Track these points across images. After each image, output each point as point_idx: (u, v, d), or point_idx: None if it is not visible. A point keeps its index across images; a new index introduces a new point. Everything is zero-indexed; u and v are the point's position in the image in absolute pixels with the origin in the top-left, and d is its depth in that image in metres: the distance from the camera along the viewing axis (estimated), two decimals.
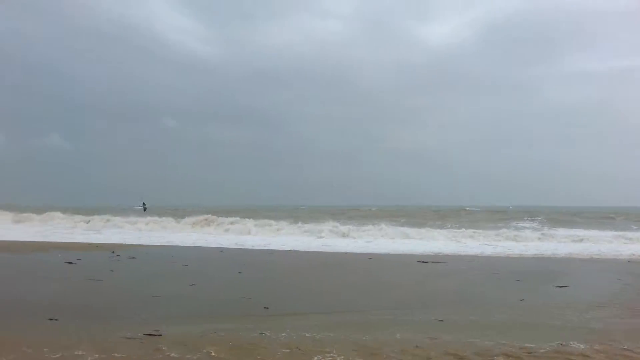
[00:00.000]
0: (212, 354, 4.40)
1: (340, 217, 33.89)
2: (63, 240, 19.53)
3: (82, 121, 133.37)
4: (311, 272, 11.81)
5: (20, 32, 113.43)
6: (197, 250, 16.87)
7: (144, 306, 7.25)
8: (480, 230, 23.80)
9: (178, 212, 36.94)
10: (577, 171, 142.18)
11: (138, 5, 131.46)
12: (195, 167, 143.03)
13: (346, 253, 16.18)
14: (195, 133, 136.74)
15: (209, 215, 30.27)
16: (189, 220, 29.54)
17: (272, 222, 27.76)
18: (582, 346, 4.66)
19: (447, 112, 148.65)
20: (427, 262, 13.28)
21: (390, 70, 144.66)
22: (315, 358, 4.31)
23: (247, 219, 28.67)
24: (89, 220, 30.27)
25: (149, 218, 30.74)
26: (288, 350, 4.52)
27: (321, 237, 22.94)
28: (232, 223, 28.00)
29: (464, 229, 24.34)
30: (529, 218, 34.64)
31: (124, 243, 18.65)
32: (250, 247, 17.89)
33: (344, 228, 24.76)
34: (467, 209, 49.43)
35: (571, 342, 4.78)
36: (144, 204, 52.09)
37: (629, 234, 21.64)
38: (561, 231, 24.23)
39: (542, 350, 4.52)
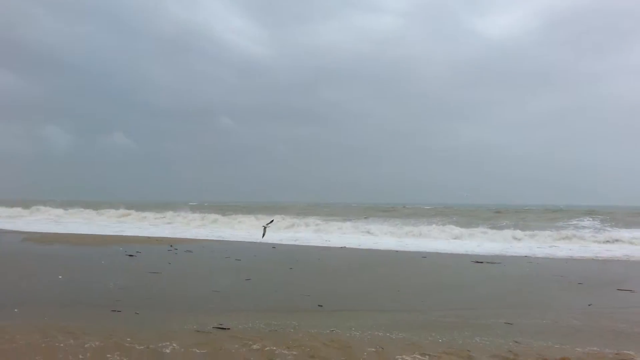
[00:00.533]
0: (298, 352, 4.49)
1: (393, 214, 33.78)
2: (130, 234, 20.63)
3: (145, 121, 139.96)
4: (363, 269, 11.76)
5: (86, 38, 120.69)
6: (250, 245, 17.21)
7: (204, 299, 7.51)
8: (537, 231, 22.82)
9: (245, 209, 40.19)
10: None
11: (197, 9, 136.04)
12: (255, 164, 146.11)
13: (397, 252, 15.99)
14: (251, 132, 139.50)
15: (280, 216, 30.04)
16: (259, 218, 30.04)
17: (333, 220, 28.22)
18: None
19: (507, 107, 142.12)
20: (481, 262, 12.94)
21: (445, 65, 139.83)
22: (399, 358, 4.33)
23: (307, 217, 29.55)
24: (164, 216, 32.71)
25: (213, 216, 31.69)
26: (373, 350, 4.57)
27: (373, 234, 22.97)
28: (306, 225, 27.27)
29: (518, 230, 23.42)
30: (590, 218, 32.83)
31: (181, 237, 19.44)
32: (301, 244, 18.11)
33: (391, 228, 24.76)
34: (526, 208, 47.68)
35: None
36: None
37: None
38: (624, 232, 22.80)
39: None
